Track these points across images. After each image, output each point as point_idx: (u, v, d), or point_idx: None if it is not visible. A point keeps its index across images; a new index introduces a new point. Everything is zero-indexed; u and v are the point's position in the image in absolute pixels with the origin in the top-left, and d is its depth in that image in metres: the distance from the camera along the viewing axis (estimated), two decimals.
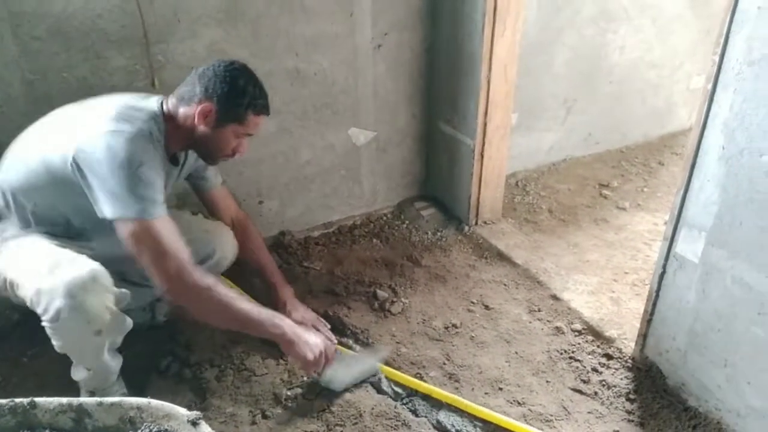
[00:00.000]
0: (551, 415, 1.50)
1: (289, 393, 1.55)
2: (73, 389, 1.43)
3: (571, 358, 1.70)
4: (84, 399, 1.00)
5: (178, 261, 1.26)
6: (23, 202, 1.36)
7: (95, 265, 1.26)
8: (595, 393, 1.58)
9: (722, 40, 1.26)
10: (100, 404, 0.98)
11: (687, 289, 1.48)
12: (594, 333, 1.78)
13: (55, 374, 1.55)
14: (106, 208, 1.23)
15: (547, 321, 1.85)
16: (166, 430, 0.87)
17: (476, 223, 2.39)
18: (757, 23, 1.19)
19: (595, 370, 1.65)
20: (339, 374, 1.56)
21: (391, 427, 1.46)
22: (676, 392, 1.56)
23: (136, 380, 1.52)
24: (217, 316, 1.36)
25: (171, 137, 1.38)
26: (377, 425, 1.47)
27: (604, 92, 2.88)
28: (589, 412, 1.52)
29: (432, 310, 1.91)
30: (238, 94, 1.34)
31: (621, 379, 1.61)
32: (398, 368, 1.67)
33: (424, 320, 1.86)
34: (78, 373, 1.40)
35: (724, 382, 1.44)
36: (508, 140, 2.29)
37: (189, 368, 1.64)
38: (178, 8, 1.75)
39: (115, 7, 1.66)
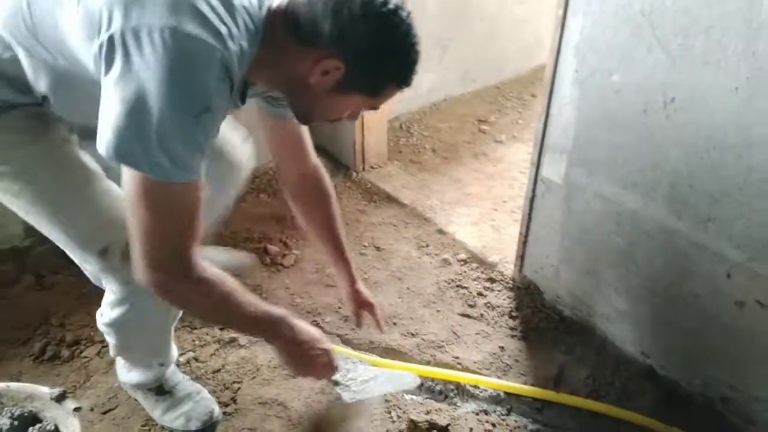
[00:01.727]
0: (442, 341, 1.58)
1: (180, 359, 1.51)
2: None
3: (458, 286, 1.78)
4: None
5: (183, 250, 0.87)
6: None
7: None
8: (481, 315, 1.68)
9: None
10: None
11: (555, 209, 1.59)
12: (478, 260, 1.87)
13: None
14: (115, 141, 0.78)
15: (435, 255, 1.92)
16: (30, 411, 0.80)
17: (363, 169, 2.39)
18: None
19: (480, 294, 1.75)
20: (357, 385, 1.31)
21: (291, 376, 1.47)
22: (553, 305, 1.69)
23: (11, 369, 1.40)
24: (211, 317, 1.13)
25: (259, 69, 0.90)
26: (275, 377, 1.47)
27: (477, 30, 2.94)
28: (476, 333, 1.61)
29: (325, 258, 1.91)
30: (388, 57, 0.88)
31: (504, 299, 1.72)
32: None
33: (318, 269, 1.86)
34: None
35: (593, 291, 1.58)
36: None
37: (67, 348, 1.53)
38: None
39: None
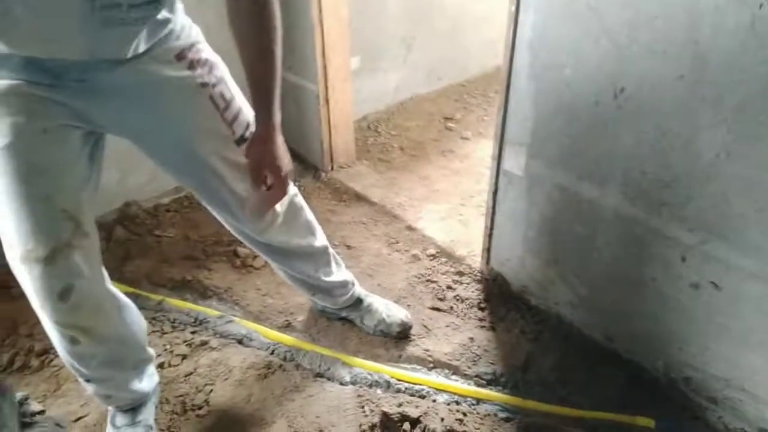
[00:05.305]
0: (414, 335, 1.61)
1: None
2: None
3: (428, 280, 1.81)
4: None
5: None
6: None
7: None
8: (451, 308, 1.71)
9: None
10: None
11: (517, 200, 1.62)
12: (447, 255, 1.90)
13: None
14: None
15: (405, 251, 1.95)
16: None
17: (332, 169, 2.41)
18: None
19: (449, 287, 1.78)
20: None
21: (264, 375, 1.48)
22: (520, 295, 1.73)
23: None
24: None
25: None
26: (248, 377, 1.47)
27: (440, 29, 2.98)
28: (446, 326, 1.64)
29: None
30: None
31: (472, 291, 1.76)
32: (267, 319, 1.68)
33: None
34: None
35: (558, 279, 1.62)
36: (350, 82, 2.31)
37: (37, 358, 1.51)
38: None
39: None
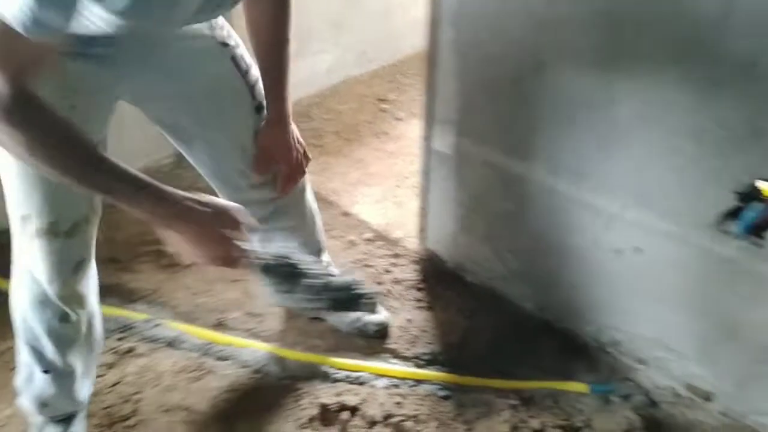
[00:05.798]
0: None
1: None
2: None
3: (365, 265, 1.79)
4: None
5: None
6: None
7: None
8: (389, 291, 1.69)
9: None
10: None
11: (448, 179, 1.61)
12: (383, 238, 1.89)
13: None
14: None
15: (341, 237, 1.91)
16: None
17: None
18: None
19: (387, 270, 1.76)
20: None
21: (195, 378, 1.43)
22: (455, 273, 1.73)
23: None
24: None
25: None
26: (179, 381, 1.41)
27: (370, 9, 2.93)
28: (385, 310, 1.63)
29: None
30: None
31: (409, 273, 1.75)
32: (198, 319, 1.62)
33: None
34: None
35: (491, 255, 1.63)
36: None
37: None
38: None
39: None
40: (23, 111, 0.74)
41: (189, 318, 1.62)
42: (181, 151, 1.22)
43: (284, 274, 0.95)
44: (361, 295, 1.01)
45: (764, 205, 1.11)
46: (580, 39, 1.18)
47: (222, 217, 0.88)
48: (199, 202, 0.86)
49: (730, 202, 1.12)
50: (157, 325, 1.58)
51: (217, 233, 0.88)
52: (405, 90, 2.94)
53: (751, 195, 1.11)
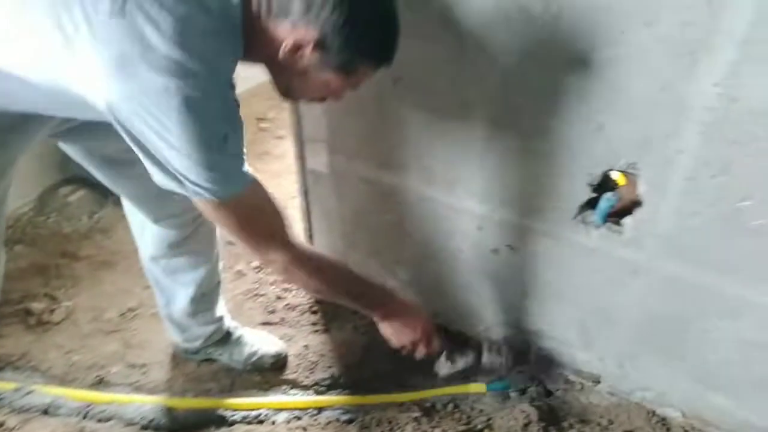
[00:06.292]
0: None
1: None
2: None
3: (255, 295, 1.73)
4: None
5: (282, 233, 1.00)
6: None
7: None
8: (282, 319, 1.65)
9: None
10: None
11: (328, 198, 1.59)
12: None
13: None
14: (182, 188, 0.87)
15: (228, 268, 1.83)
16: None
17: None
18: None
19: (279, 297, 1.71)
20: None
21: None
22: None
23: None
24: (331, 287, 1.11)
25: (248, 53, 0.92)
26: None
27: None
28: (280, 338, 1.58)
29: (104, 302, 1.72)
30: (359, 31, 0.84)
31: (302, 297, 1.71)
32: (75, 379, 1.48)
33: (95, 317, 1.67)
34: None
35: (381, 269, 1.62)
36: None
37: None
38: None
39: None
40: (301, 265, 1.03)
41: (64, 380, 1.48)
42: (104, 175, 1.20)
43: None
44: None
45: (617, 193, 1.19)
46: (436, 51, 1.20)
47: (420, 307, 1.25)
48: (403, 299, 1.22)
49: (586, 194, 1.19)
50: (28, 393, 1.42)
51: (423, 318, 1.21)
52: (284, 107, 2.87)
53: (604, 185, 1.19)
